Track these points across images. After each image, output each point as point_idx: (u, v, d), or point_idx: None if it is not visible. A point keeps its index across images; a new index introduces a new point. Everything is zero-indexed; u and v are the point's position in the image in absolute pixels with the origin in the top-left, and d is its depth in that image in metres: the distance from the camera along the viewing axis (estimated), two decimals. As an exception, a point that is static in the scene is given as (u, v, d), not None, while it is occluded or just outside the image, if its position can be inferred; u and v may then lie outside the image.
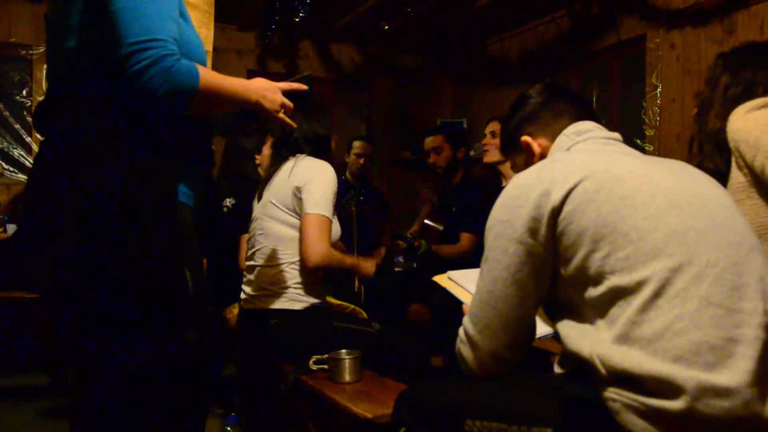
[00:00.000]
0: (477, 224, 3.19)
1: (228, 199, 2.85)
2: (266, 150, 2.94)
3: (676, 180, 1.06)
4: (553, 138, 1.29)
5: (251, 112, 1.45)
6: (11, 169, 4.16)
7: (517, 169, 1.39)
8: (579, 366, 1.01)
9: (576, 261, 1.02)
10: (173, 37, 1.17)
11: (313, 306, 2.13)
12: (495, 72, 4.89)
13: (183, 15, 1.30)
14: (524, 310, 1.11)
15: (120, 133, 1.18)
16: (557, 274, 1.08)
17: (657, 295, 0.94)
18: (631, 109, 3.90)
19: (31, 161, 4.20)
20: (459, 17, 4.51)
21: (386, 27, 4.44)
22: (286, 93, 1.48)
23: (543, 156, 1.30)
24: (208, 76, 1.22)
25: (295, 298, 2.10)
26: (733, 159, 1.45)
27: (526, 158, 1.34)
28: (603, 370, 0.94)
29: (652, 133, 3.66)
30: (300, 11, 4.12)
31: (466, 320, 1.18)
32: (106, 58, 1.15)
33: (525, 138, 1.33)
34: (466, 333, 1.16)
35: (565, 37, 4.27)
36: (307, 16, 4.16)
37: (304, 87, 1.55)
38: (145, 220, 1.16)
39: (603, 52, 4.10)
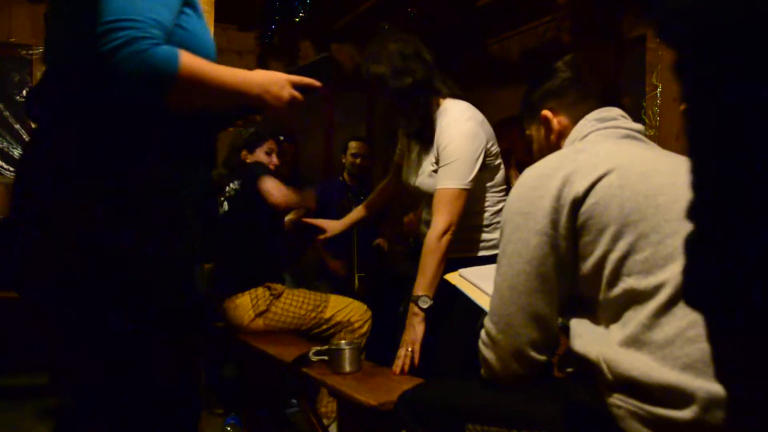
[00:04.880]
0: None
1: (232, 184, 2.77)
2: (260, 154, 2.84)
3: None
4: (575, 119, 1.24)
5: (248, 107, 1.30)
6: (11, 169, 4.16)
7: (531, 140, 1.35)
8: (583, 368, 0.99)
9: (593, 258, 1.00)
10: (158, 21, 1.06)
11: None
12: (495, 72, 4.88)
13: (193, 5, 1.22)
14: (548, 306, 1.06)
15: (114, 128, 1.11)
16: (574, 270, 1.05)
17: (672, 301, 0.92)
18: (631, 109, 3.89)
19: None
20: (459, 17, 4.50)
21: (386, 27, 4.43)
22: (299, 86, 1.30)
23: (561, 134, 1.26)
24: (194, 63, 1.09)
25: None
26: None
27: (545, 133, 1.30)
28: (609, 375, 0.93)
29: (652, 133, 3.67)
30: (300, 11, 4.12)
31: (486, 320, 1.13)
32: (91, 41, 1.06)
33: (546, 112, 1.28)
34: (488, 333, 1.11)
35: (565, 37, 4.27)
36: (307, 16, 4.16)
37: (318, 84, 1.33)
38: (151, 221, 1.11)
39: (603, 52, 4.10)
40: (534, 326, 1.06)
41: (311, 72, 1.35)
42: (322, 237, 2.49)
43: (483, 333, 1.13)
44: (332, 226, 2.50)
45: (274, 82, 1.25)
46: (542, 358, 1.08)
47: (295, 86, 1.28)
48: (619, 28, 3.86)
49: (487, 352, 1.11)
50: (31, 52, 4.15)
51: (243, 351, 2.75)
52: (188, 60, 1.08)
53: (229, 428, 2.73)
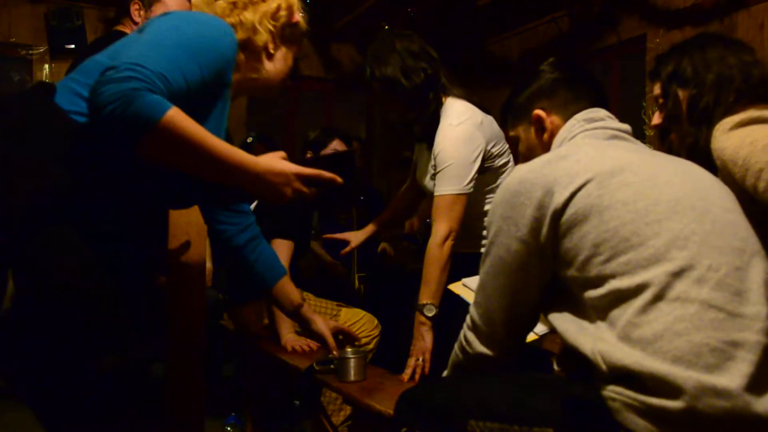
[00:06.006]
0: None
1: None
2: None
3: (680, 184, 1.05)
4: (566, 118, 1.26)
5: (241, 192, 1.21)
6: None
7: (517, 141, 1.37)
8: (580, 363, 1.01)
9: (577, 263, 1.02)
10: (164, 75, 1.06)
11: None
12: (495, 72, 4.89)
13: (224, 99, 1.21)
14: (528, 298, 1.14)
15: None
16: (558, 273, 1.08)
17: (657, 298, 0.94)
18: (631, 109, 3.90)
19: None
20: (459, 17, 4.51)
21: (386, 27, 4.44)
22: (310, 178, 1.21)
23: (553, 133, 1.28)
24: (183, 121, 1.05)
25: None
26: (719, 176, 1.39)
27: (536, 132, 1.31)
28: (604, 367, 0.94)
29: (652, 133, 3.66)
30: (300, 11, 4.12)
31: (471, 308, 1.22)
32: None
33: (538, 112, 1.29)
34: (472, 318, 1.22)
35: (565, 37, 4.27)
36: (307, 16, 4.16)
37: (336, 179, 1.22)
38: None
39: (603, 52, 4.10)
40: (512, 320, 1.16)
41: (329, 164, 1.27)
42: (346, 250, 2.37)
43: (468, 317, 1.23)
44: (355, 237, 2.40)
45: (279, 173, 1.16)
46: (516, 343, 1.20)
47: (305, 178, 1.20)
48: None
49: (469, 334, 1.23)
50: (31, 52, 4.15)
51: (245, 351, 2.75)
52: (177, 116, 1.05)
53: (229, 428, 2.73)
